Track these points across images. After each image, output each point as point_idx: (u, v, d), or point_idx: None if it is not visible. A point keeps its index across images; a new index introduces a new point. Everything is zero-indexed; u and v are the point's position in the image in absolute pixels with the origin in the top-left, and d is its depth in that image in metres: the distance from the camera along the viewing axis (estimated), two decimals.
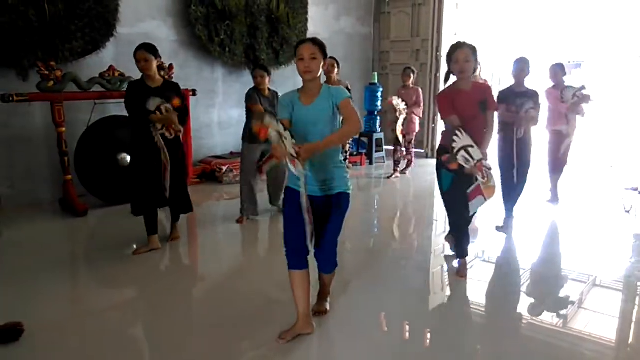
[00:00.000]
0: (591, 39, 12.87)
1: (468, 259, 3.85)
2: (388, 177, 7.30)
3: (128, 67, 5.44)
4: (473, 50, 3.51)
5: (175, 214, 4.41)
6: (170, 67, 5.66)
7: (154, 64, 3.92)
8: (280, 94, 4.16)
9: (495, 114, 3.83)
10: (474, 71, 3.60)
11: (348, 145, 7.49)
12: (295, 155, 2.43)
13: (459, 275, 3.72)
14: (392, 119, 7.02)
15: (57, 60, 5.11)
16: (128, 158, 5.23)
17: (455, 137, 3.39)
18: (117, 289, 3.56)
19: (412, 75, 7.01)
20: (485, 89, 3.71)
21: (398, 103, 6.83)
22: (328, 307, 3.09)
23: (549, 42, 12.12)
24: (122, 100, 5.28)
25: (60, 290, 3.52)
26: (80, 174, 5.20)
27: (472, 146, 3.32)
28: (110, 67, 5.28)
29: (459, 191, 3.48)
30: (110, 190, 5.38)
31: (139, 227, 4.18)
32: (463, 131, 3.37)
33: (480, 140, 3.40)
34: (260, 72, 4.78)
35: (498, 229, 4.73)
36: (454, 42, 3.60)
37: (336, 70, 6.01)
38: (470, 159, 3.31)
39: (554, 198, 5.67)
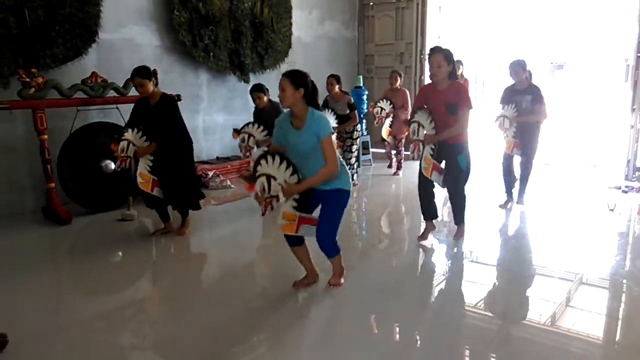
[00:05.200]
0: (574, 41, 13.06)
1: (457, 260, 4.00)
2: (394, 174, 7.53)
3: (110, 73, 5.41)
4: (445, 55, 3.82)
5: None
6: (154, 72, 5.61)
7: (150, 85, 4.28)
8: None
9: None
10: (453, 73, 3.90)
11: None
12: (279, 195, 2.95)
13: (458, 237, 4.38)
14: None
15: (38, 67, 5.02)
16: (112, 165, 5.16)
17: (419, 111, 4.04)
18: (103, 297, 3.50)
19: (399, 78, 7.21)
20: (460, 90, 3.92)
21: (382, 105, 6.96)
22: (342, 281, 3.44)
23: (532, 43, 12.27)
24: (105, 106, 5.33)
25: (45, 299, 3.47)
26: (63, 181, 5.12)
27: (423, 126, 3.98)
28: (93, 73, 5.20)
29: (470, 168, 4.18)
30: (94, 198, 5.31)
31: (123, 235, 4.12)
32: (428, 114, 3.99)
33: (439, 131, 3.98)
34: (256, 93, 5.29)
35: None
36: (431, 47, 3.95)
37: (337, 86, 6.15)
38: (417, 133, 4.00)
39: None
